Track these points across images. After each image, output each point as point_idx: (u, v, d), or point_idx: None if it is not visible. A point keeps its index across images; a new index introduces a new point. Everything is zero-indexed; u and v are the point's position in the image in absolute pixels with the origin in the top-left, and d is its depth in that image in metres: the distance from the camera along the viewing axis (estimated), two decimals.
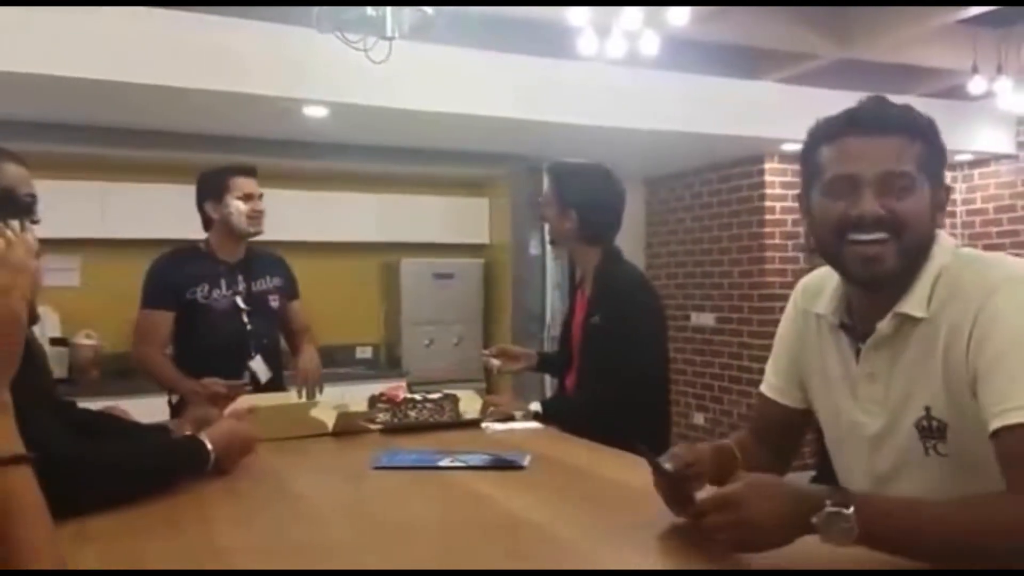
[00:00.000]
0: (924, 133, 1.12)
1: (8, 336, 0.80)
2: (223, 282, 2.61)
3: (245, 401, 2.11)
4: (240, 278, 2.65)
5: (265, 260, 2.78)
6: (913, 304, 1.10)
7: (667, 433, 2.28)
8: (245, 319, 2.62)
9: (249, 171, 2.71)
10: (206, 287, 2.59)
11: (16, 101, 3.71)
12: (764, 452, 1.38)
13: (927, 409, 1.10)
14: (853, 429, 1.20)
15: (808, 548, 1.07)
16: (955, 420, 1.08)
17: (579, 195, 2.27)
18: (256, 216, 2.66)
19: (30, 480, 0.79)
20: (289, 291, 2.81)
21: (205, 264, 2.63)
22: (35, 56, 3.26)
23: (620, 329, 2.16)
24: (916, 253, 1.11)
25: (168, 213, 4.44)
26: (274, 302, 2.72)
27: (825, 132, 1.15)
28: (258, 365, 2.60)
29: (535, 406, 2.17)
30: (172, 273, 2.60)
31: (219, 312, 2.59)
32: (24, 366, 0.82)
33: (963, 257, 1.12)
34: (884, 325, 1.13)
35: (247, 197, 2.64)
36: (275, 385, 2.64)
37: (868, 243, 1.09)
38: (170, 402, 2.60)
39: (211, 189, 2.66)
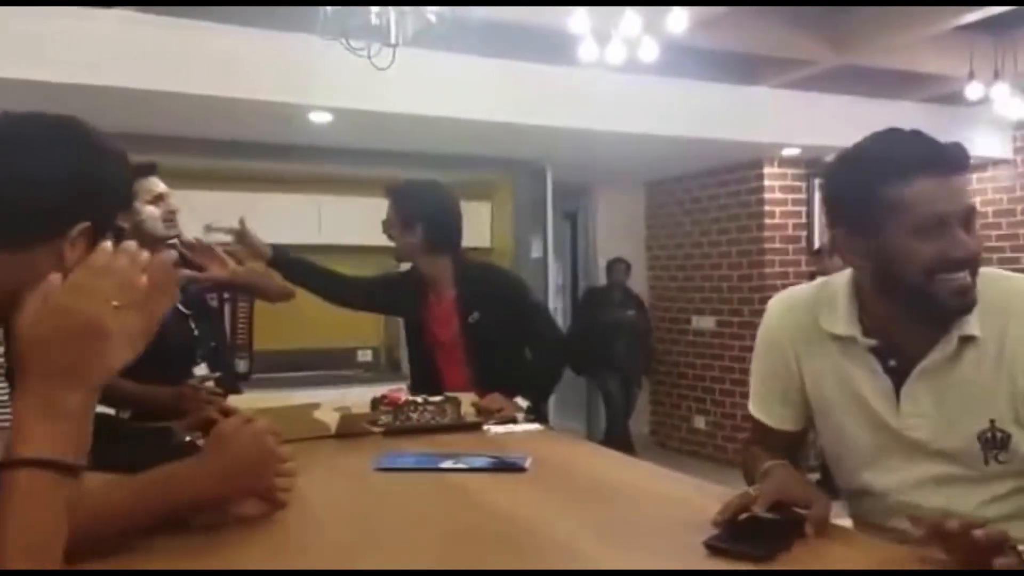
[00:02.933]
0: (969, 167, 1.20)
1: (79, 340, 0.78)
2: None
3: (244, 404, 2.10)
4: None
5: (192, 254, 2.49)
6: (972, 325, 1.17)
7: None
8: (192, 325, 2.41)
9: (151, 169, 2.44)
10: None
11: (22, 107, 3.73)
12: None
13: (992, 422, 1.16)
14: (897, 438, 1.23)
15: (805, 547, 1.09)
16: (1018, 430, 1.16)
17: (421, 209, 2.45)
18: (171, 218, 2.40)
19: (45, 485, 0.77)
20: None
21: None
22: (41, 62, 3.30)
23: (516, 307, 2.43)
24: None
25: None
26: (212, 300, 2.52)
27: (898, 169, 1.16)
28: (202, 372, 2.40)
29: (522, 401, 2.21)
30: None
31: (164, 324, 2.33)
32: None
33: (986, 276, 1.20)
34: (950, 348, 1.18)
35: (158, 199, 2.38)
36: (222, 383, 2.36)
37: (960, 280, 1.15)
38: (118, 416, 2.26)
39: None
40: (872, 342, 1.23)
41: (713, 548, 1.07)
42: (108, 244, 0.84)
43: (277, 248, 2.58)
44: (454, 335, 2.45)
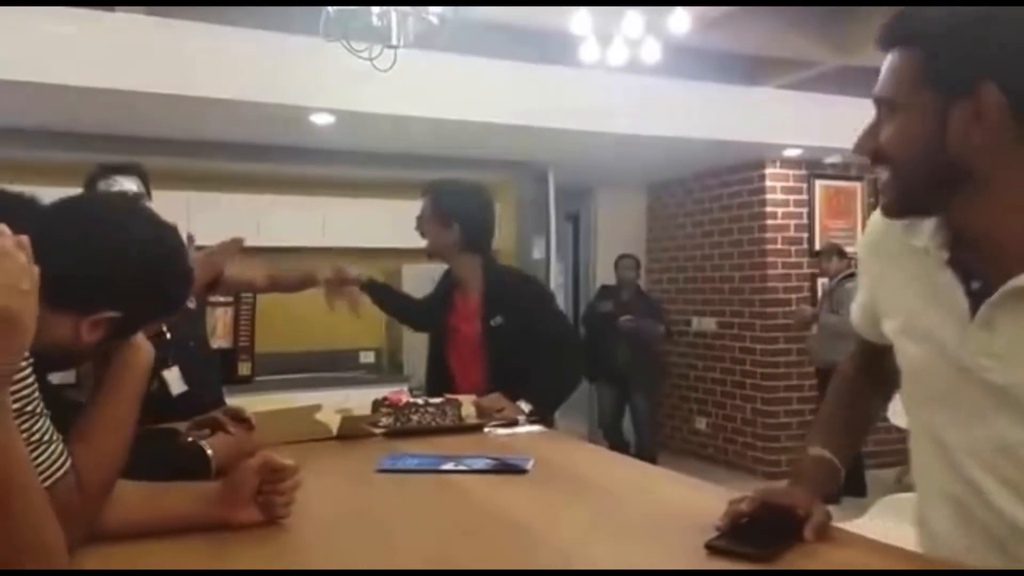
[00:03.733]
0: (926, 38, 0.92)
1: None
2: None
3: (247, 406, 2.10)
4: None
5: None
6: None
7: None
8: (162, 326, 2.30)
9: (122, 168, 2.44)
10: None
11: (24, 109, 3.75)
12: (868, 384, 1.26)
13: None
14: (967, 378, 0.98)
15: (805, 550, 1.09)
16: None
17: (459, 207, 2.45)
18: None
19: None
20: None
21: None
22: (42, 65, 3.30)
23: (538, 320, 2.41)
24: (929, 183, 0.95)
25: (172, 220, 4.48)
26: (190, 302, 2.45)
27: None
28: (172, 376, 2.35)
29: (525, 406, 2.21)
30: None
31: None
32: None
33: None
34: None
35: None
36: (195, 397, 2.31)
37: (879, 176, 1.00)
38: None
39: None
40: (946, 254, 0.98)
41: (713, 549, 1.08)
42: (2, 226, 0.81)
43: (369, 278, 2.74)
44: (475, 336, 2.45)
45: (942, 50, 0.91)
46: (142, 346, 1.13)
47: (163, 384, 2.32)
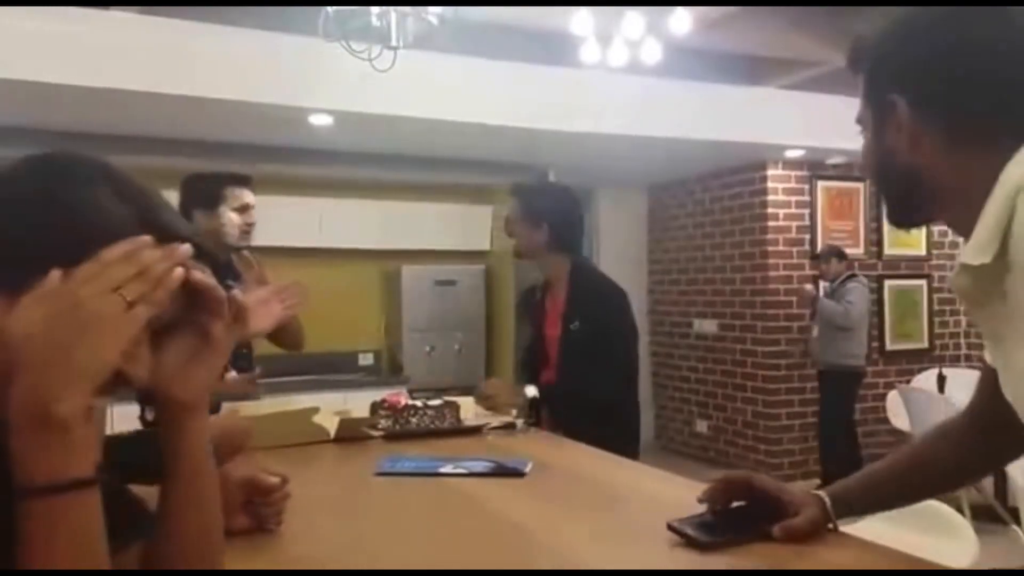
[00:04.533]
0: (863, 59, 1.01)
1: (68, 329, 0.65)
2: None
3: (246, 409, 2.10)
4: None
5: (233, 262, 2.55)
6: (973, 250, 0.84)
7: (637, 423, 2.52)
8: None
9: (246, 180, 2.59)
10: None
11: (24, 109, 3.74)
12: (974, 438, 1.11)
13: None
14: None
15: (803, 549, 1.08)
16: None
17: (548, 208, 2.45)
18: (249, 230, 2.53)
19: (94, 508, 0.67)
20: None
21: None
22: (38, 64, 3.29)
23: (606, 331, 2.33)
24: (897, 191, 0.97)
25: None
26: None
27: None
28: (232, 377, 2.44)
29: (531, 391, 2.19)
30: None
31: None
32: None
33: None
34: (956, 279, 0.89)
35: (243, 209, 2.51)
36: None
37: None
38: (143, 417, 2.26)
39: (203, 197, 2.51)
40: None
41: (671, 529, 1.14)
42: (144, 238, 0.71)
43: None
44: (556, 339, 2.43)
45: (870, 71, 1.00)
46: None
47: None
